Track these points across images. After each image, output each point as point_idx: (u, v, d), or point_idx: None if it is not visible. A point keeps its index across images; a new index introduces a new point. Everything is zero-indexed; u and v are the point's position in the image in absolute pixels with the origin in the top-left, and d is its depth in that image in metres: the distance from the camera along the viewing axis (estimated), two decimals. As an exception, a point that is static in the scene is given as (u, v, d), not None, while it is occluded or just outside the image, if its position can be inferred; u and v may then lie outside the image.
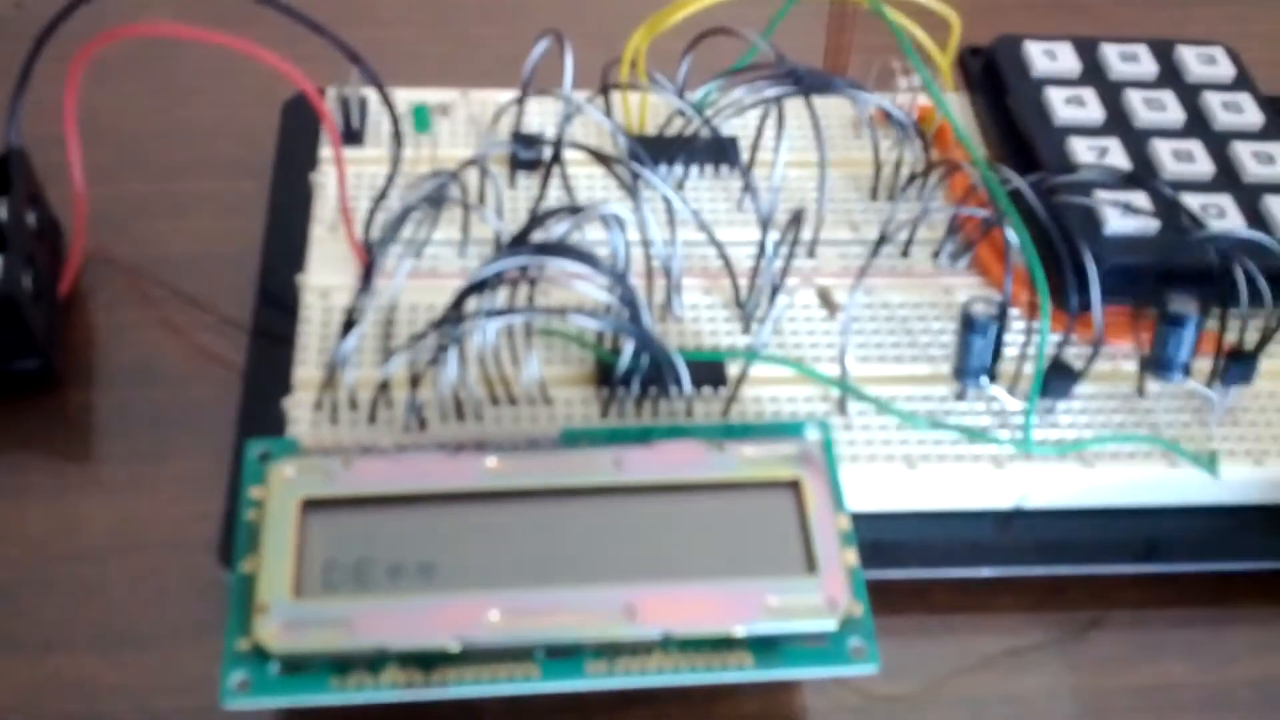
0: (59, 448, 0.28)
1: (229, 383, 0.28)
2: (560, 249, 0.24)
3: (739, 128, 0.32)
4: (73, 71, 0.28)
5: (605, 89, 0.30)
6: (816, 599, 0.23)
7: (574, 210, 0.25)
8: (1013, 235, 0.26)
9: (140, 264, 0.31)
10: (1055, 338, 0.27)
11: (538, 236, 0.25)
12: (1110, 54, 0.33)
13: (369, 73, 0.28)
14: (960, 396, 0.27)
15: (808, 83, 0.29)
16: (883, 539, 0.26)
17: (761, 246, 0.28)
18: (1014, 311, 0.27)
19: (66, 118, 0.29)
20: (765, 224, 0.28)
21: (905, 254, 0.30)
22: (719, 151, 0.30)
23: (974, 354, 0.26)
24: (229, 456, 0.27)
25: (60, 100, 0.29)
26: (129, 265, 0.31)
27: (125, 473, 0.28)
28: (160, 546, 0.26)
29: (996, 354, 0.26)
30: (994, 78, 0.33)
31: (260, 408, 0.27)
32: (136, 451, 0.28)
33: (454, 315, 0.24)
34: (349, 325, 0.25)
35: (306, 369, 0.27)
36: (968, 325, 0.26)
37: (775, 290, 0.27)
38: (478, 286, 0.24)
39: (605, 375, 0.27)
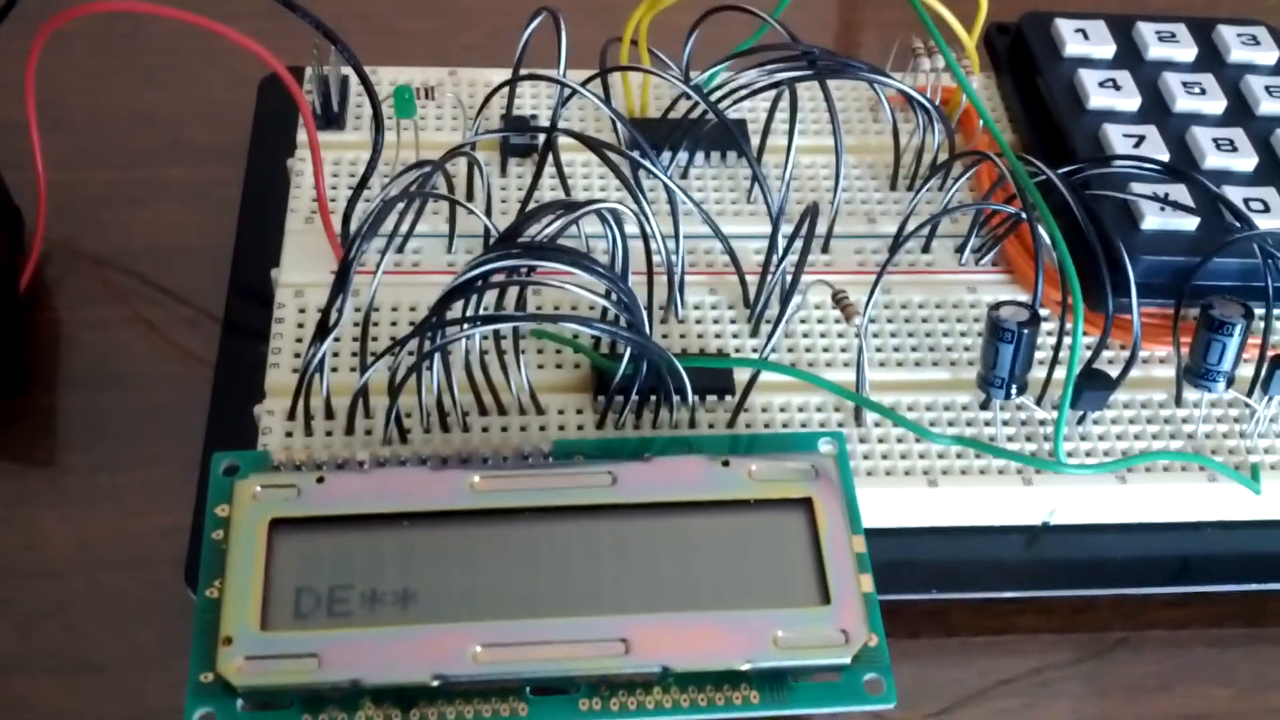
0: (18, 455, 0.26)
1: (199, 384, 0.27)
2: (551, 250, 0.22)
3: (747, 110, 0.30)
4: (33, 50, 0.26)
5: (604, 71, 0.28)
6: (829, 631, 0.21)
7: (567, 206, 0.23)
8: (1044, 233, 0.24)
9: (106, 256, 0.29)
10: (1087, 339, 0.26)
11: (529, 233, 0.23)
12: (1146, 33, 0.31)
13: (348, 54, 0.26)
14: (985, 405, 0.25)
15: (822, 65, 0.27)
16: (899, 558, 0.24)
17: (772, 244, 0.26)
18: (1044, 312, 0.25)
19: (28, 100, 0.27)
20: (776, 221, 0.26)
21: (926, 249, 0.28)
22: (726, 137, 0.28)
23: (1001, 363, 0.24)
24: (198, 464, 0.25)
25: (20, 80, 0.27)
26: (94, 257, 0.29)
27: (88, 483, 0.26)
28: (125, 563, 0.25)
29: (1026, 362, 0.24)
30: (1022, 56, 0.31)
31: (231, 413, 0.25)
32: (101, 459, 0.26)
33: (436, 320, 0.22)
34: (322, 328, 0.23)
35: (280, 374, 0.25)
36: (995, 332, 0.24)
37: (786, 291, 0.25)
38: (462, 289, 0.22)
39: (602, 383, 0.25)
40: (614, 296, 0.23)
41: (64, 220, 0.29)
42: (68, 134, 0.31)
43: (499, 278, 0.23)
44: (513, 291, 0.24)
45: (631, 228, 0.24)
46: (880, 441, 0.25)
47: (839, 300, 0.24)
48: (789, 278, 0.26)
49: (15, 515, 0.25)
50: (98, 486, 0.26)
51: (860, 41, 0.38)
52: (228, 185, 0.30)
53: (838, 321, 0.26)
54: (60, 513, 0.25)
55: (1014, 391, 0.24)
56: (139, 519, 0.25)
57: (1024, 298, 0.27)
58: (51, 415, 0.27)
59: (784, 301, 0.25)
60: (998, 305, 0.24)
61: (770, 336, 0.24)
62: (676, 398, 0.24)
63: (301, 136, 0.29)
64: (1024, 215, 0.25)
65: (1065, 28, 0.31)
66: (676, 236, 0.26)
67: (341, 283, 0.23)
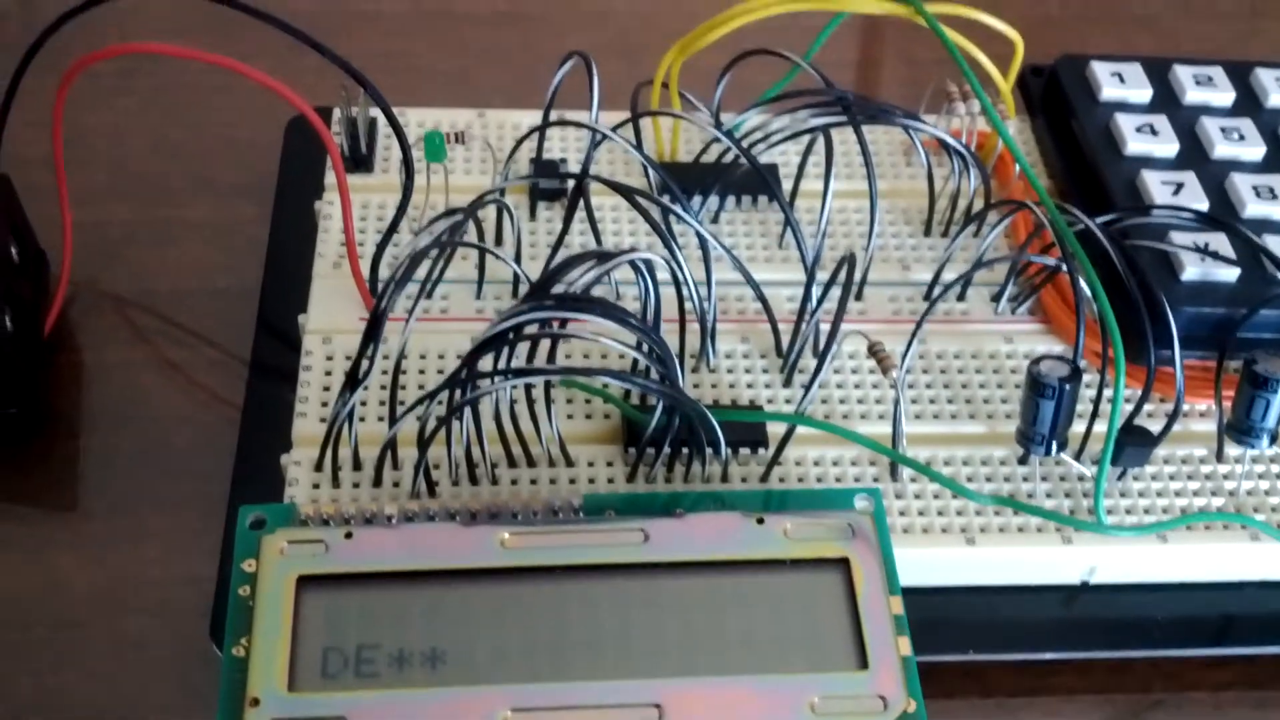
0: (41, 499, 0.26)
1: (223, 427, 0.26)
2: (584, 301, 0.22)
3: (778, 154, 0.30)
4: (60, 94, 0.26)
5: (635, 116, 0.28)
6: (867, 696, 0.21)
7: (600, 256, 0.23)
8: (1085, 287, 0.24)
9: (130, 297, 0.29)
10: (1127, 392, 0.25)
11: (561, 282, 0.23)
12: (1183, 76, 0.30)
13: (378, 98, 0.25)
14: (1023, 460, 0.25)
15: (857, 111, 0.26)
16: (936, 617, 0.24)
17: (807, 294, 0.25)
18: (1082, 363, 0.25)
19: (55, 143, 0.27)
20: (811, 271, 0.25)
21: (962, 298, 0.28)
22: (758, 182, 0.28)
23: (1043, 419, 0.23)
24: (222, 510, 0.24)
25: (44, 117, 0.27)
26: (118, 298, 0.29)
27: (111, 527, 0.26)
28: (146, 610, 0.24)
29: (1068, 418, 0.24)
30: (1057, 99, 0.31)
31: (257, 460, 0.25)
32: (123, 504, 0.26)
33: (467, 374, 0.22)
34: (352, 379, 0.23)
35: (307, 423, 0.25)
36: (1036, 388, 0.23)
37: (823, 346, 0.25)
38: (493, 341, 0.22)
39: (633, 435, 0.24)
40: (646, 348, 0.23)
41: (88, 259, 0.29)
42: (92, 171, 0.31)
43: (532, 329, 0.22)
44: (544, 340, 0.23)
45: (662, 273, 0.24)
46: (917, 498, 0.24)
47: (875, 353, 0.24)
48: (823, 326, 0.26)
49: (36, 559, 0.25)
50: (119, 531, 0.25)
51: (885, 78, 0.38)
52: (253, 225, 0.30)
53: (872, 372, 0.26)
54: (81, 557, 0.25)
55: (1054, 448, 0.24)
56: (161, 565, 0.25)
57: (1061, 348, 0.27)
58: (74, 458, 0.27)
59: (821, 357, 0.24)
60: (1038, 360, 0.23)
61: (807, 391, 0.24)
62: (709, 450, 0.24)
63: (330, 179, 0.28)
64: (1063, 266, 0.25)
65: (1101, 71, 0.30)
66: (709, 284, 0.25)
67: (372, 334, 0.22)
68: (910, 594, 0.22)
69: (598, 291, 0.23)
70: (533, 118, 0.30)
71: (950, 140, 0.27)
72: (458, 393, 0.22)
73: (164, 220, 0.31)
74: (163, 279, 0.29)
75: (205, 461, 0.26)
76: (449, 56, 0.36)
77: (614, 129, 0.26)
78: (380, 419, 0.25)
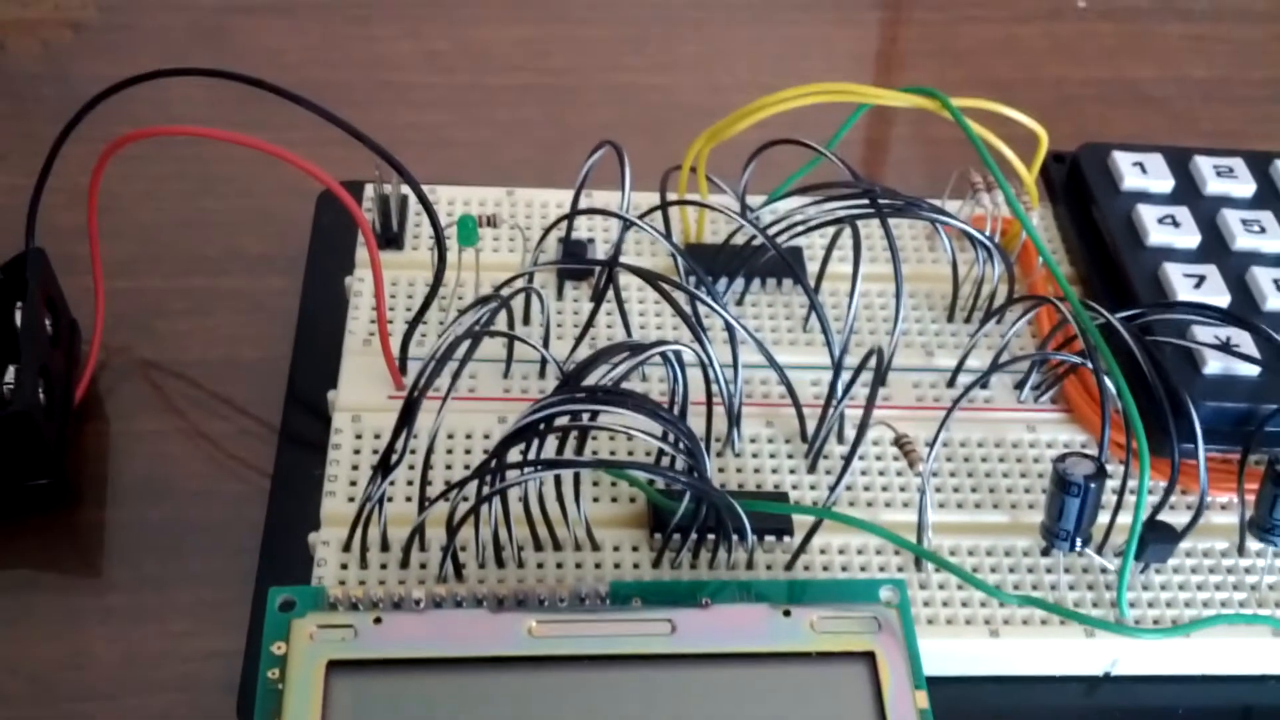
0: (69, 570, 0.26)
1: (252, 498, 0.27)
2: (615, 395, 0.22)
3: (803, 237, 0.30)
4: (95, 178, 0.27)
5: (664, 205, 0.28)
6: (892, 795, 0.21)
7: (632, 349, 0.23)
8: (1109, 384, 0.24)
9: (160, 365, 0.29)
10: (1150, 484, 0.25)
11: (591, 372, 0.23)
12: (1204, 167, 0.31)
13: (411, 182, 0.26)
14: (1046, 552, 0.25)
15: (884, 203, 0.27)
16: (957, 706, 0.24)
17: (833, 388, 0.26)
18: (1105, 454, 0.25)
19: (90, 221, 0.28)
20: (838, 363, 0.25)
21: (985, 385, 0.28)
22: (784, 266, 0.28)
23: (1068, 516, 0.23)
24: (250, 584, 0.25)
25: (77, 184, 0.27)
26: (148, 367, 0.29)
27: (139, 600, 0.26)
28: (173, 686, 0.24)
29: (1092, 515, 0.24)
30: (1079, 187, 0.31)
31: (285, 536, 0.25)
32: (151, 576, 0.26)
33: (496, 465, 0.22)
34: (384, 465, 0.23)
35: (336, 503, 0.25)
36: (1061, 486, 0.23)
37: (852, 442, 0.25)
38: (523, 431, 0.22)
39: (660, 521, 0.24)
40: (674, 439, 0.23)
41: (119, 328, 0.29)
42: (124, 241, 0.31)
43: (562, 420, 0.23)
44: (573, 429, 0.24)
45: (688, 355, 0.24)
46: (941, 588, 0.24)
47: (901, 445, 0.24)
48: (847, 413, 0.26)
49: (63, 631, 0.25)
50: (146, 603, 0.26)
51: (903, 156, 0.38)
52: (284, 296, 0.30)
53: (896, 459, 0.26)
54: (108, 629, 0.25)
55: (1079, 544, 0.24)
56: (188, 639, 0.25)
57: (1084, 438, 0.27)
58: (102, 530, 0.27)
59: (851, 451, 0.25)
60: (1062, 457, 0.24)
61: (834, 488, 0.24)
62: (735, 537, 0.24)
63: (360, 255, 0.29)
64: (1087, 362, 0.25)
65: (1123, 161, 0.31)
66: (735, 368, 0.26)
67: (406, 421, 0.23)
68: (933, 683, 0.22)
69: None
70: (560, 196, 0.30)
71: (975, 233, 0.28)
72: (487, 481, 0.23)
73: (195, 291, 0.31)
74: (193, 349, 0.30)
75: (233, 534, 0.26)
76: (478, 128, 0.36)
77: (641, 216, 0.27)
78: (408, 499, 0.25)
